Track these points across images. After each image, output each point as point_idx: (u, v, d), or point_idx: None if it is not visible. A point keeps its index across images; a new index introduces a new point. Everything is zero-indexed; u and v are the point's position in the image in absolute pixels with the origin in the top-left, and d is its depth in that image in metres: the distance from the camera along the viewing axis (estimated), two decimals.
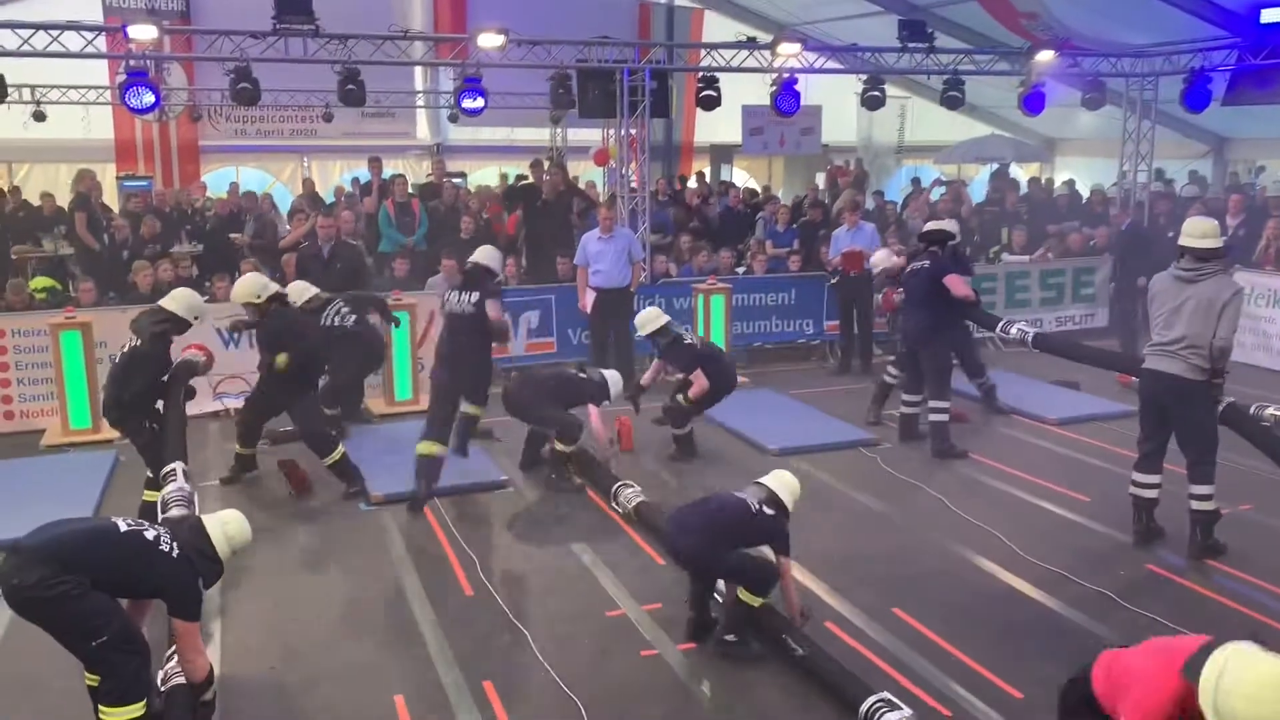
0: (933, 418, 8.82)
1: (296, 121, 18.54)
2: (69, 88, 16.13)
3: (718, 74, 12.14)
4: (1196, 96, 12.67)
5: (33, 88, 15.66)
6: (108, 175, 16.78)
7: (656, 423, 8.94)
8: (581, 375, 8.51)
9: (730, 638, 5.44)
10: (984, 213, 15.01)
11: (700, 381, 8.44)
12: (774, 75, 12.09)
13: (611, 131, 14.94)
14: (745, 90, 15.70)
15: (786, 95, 11.98)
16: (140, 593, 4.55)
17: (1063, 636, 5.68)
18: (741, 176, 21.25)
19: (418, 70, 18.31)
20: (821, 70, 13.30)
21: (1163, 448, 6.74)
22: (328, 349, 8.49)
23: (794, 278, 12.48)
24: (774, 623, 5.45)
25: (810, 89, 13.99)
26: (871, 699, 4.66)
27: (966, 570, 6.58)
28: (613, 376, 8.55)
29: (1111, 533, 7.05)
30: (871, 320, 11.93)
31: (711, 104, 12.15)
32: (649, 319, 8.69)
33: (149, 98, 10.06)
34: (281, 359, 7.77)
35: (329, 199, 15.07)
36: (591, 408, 8.27)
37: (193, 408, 7.46)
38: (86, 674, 4.56)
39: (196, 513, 5.78)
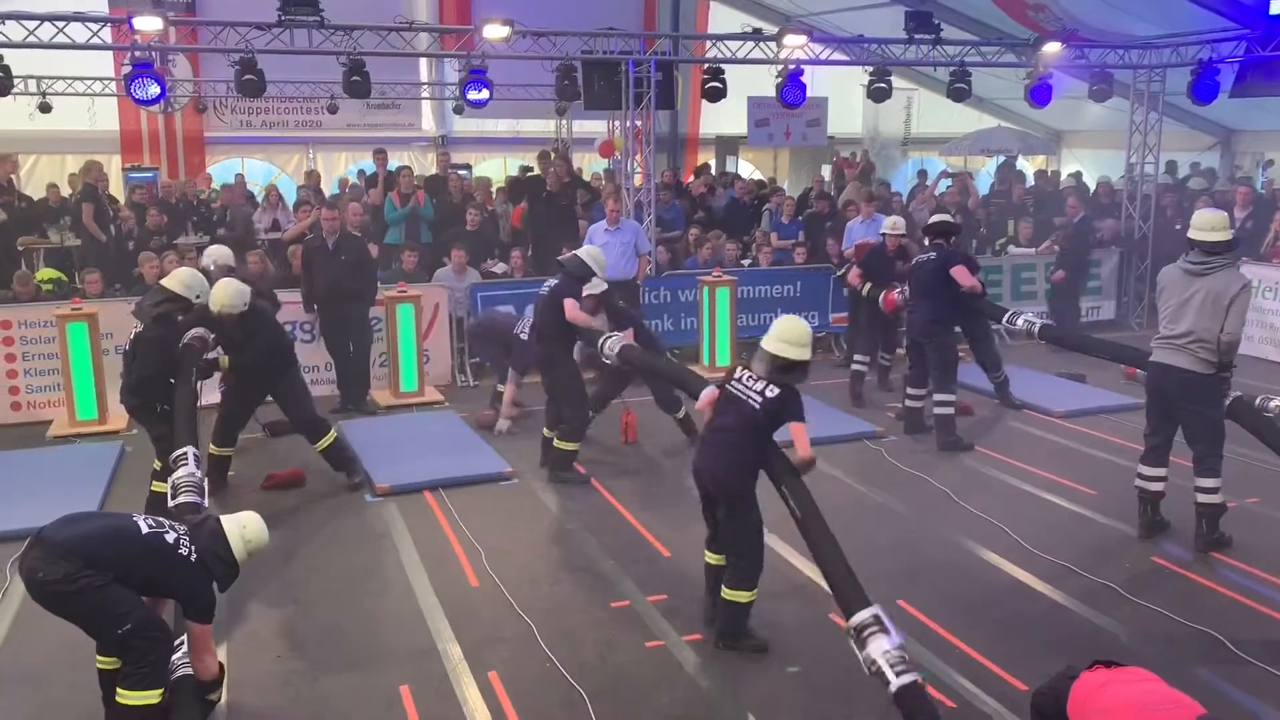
0: (938, 410, 8.81)
1: (301, 113, 18.54)
2: (74, 79, 16.14)
3: (723, 65, 12.11)
4: (1204, 88, 12.60)
5: (38, 79, 15.67)
6: (113, 167, 16.80)
7: None
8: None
9: (730, 634, 5.45)
10: (990, 205, 14.98)
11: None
12: (780, 67, 12.05)
13: (617, 123, 14.94)
14: (751, 82, 15.61)
15: (792, 87, 11.94)
16: (157, 593, 4.60)
17: (1067, 629, 5.68)
18: (747, 168, 21.21)
19: (423, 62, 18.32)
20: (827, 62, 13.23)
21: (1169, 441, 6.73)
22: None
23: (799, 270, 12.46)
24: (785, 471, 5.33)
25: (816, 81, 13.94)
26: (866, 613, 4.55)
27: (971, 563, 6.58)
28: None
29: (1117, 525, 7.05)
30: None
31: (717, 95, 12.13)
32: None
33: (154, 89, 10.07)
34: (224, 361, 7.58)
35: (334, 191, 15.08)
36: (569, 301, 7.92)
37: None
38: (100, 658, 4.60)
39: (205, 498, 5.83)
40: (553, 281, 8.08)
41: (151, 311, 7.00)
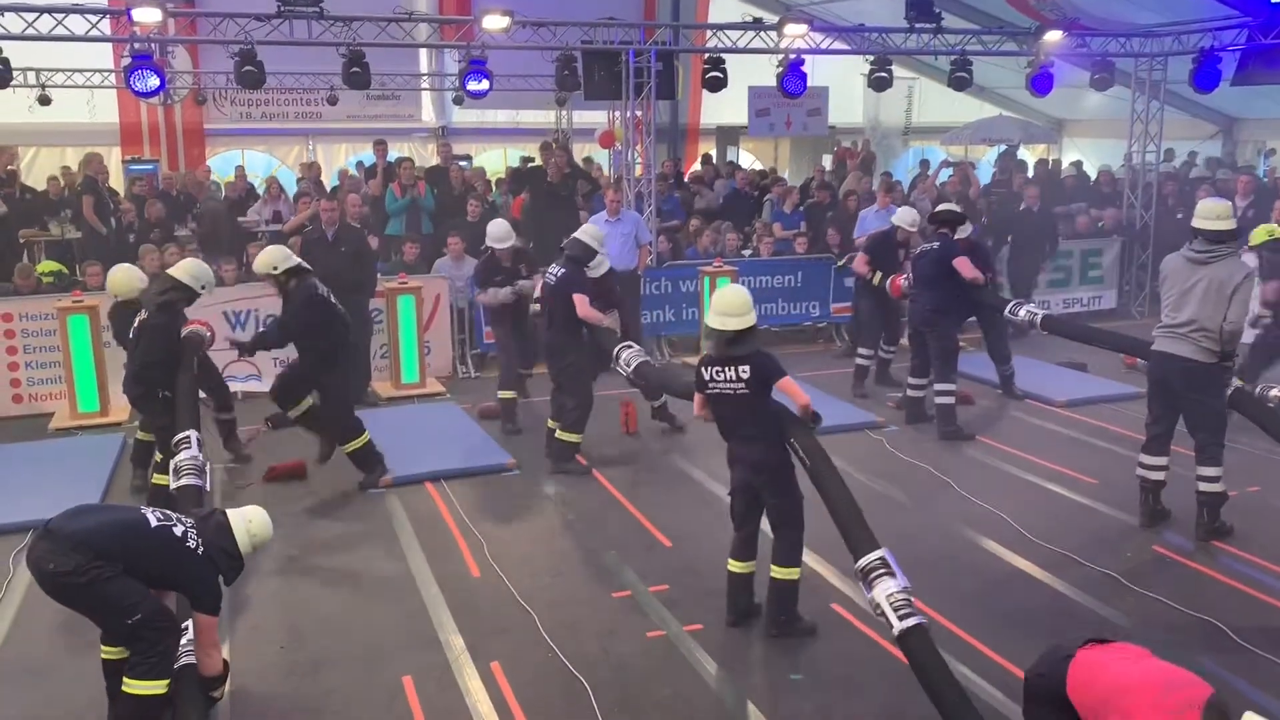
0: (939, 400, 8.82)
1: (301, 104, 18.54)
2: (74, 71, 16.12)
3: (724, 55, 12.07)
4: (1206, 76, 12.57)
5: (37, 71, 15.66)
6: (113, 159, 16.80)
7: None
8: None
9: (783, 619, 5.48)
10: (991, 194, 14.96)
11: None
12: (780, 56, 12.02)
13: (617, 114, 14.91)
14: (751, 71, 15.62)
15: (793, 76, 11.91)
16: (165, 586, 4.62)
17: (1069, 618, 5.68)
18: (748, 158, 21.19)
19: (423, 52, 18.29)
20: (828, 51, 13.21)
21: (1171, 430, 6.73)
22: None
23: (800, 260, 12.45)
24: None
25: (817, 70, 13.97)
26: (873, 555, 4.56)
27: (973, 552, 6.58)
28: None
29: (1118, 515, 7.05)
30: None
31: (718, 85, 12.10)
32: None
33: (154, 81, 10.05)
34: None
35: (334, 182, 15.06)
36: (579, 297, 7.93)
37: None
38: (105, 648, 4.61)
39: (208, 481, 5.87)
40: (557, 269, 8.05)
41: (157, 299, 7.02)
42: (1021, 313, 8.49)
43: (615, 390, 8.91)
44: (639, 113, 12.01)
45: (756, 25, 12.43)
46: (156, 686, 4.42)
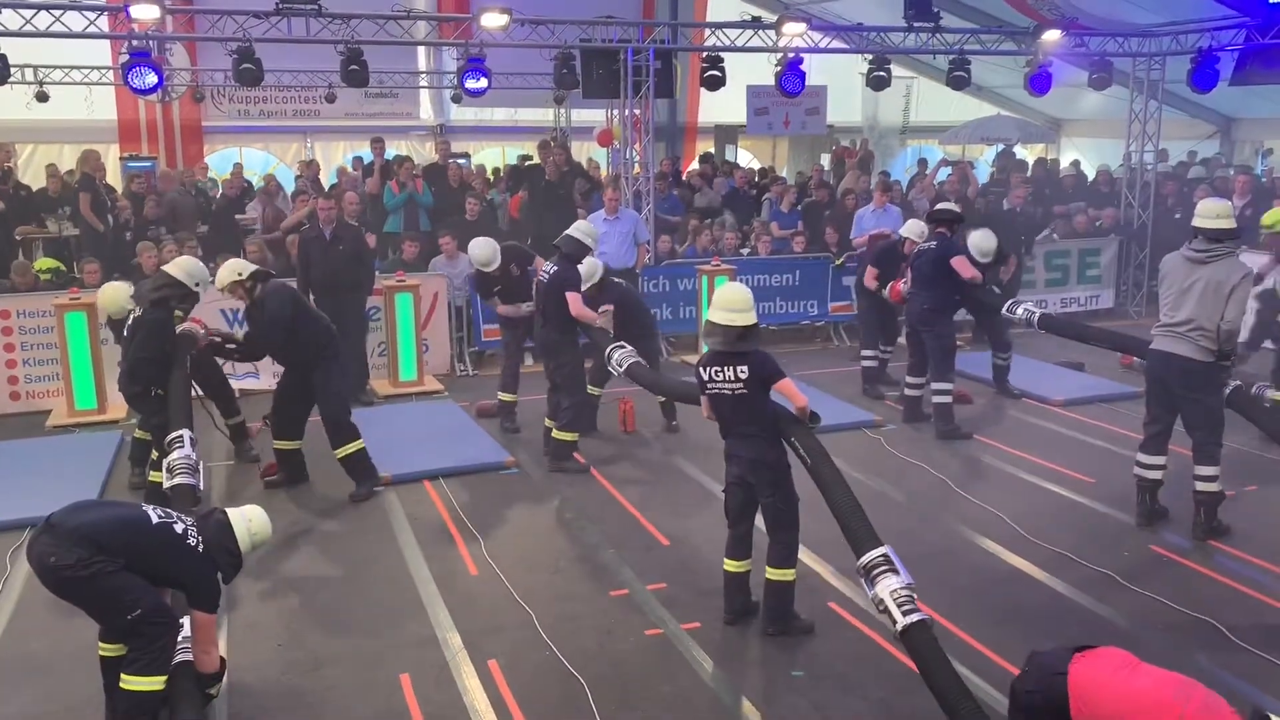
0: (936, 399, 8.82)
1: (299, 102, 18.52)
2: (72, 68, 16.11)
3: (722, 54, 12.08)
4: (1204, 76, 12.59)
5: (35, 68, 15.64)
6: (111, 156, 16.77)
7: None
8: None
9: (780, 617, 5.49)
10: (989, 194, 14.96)
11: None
12: (779, 55, 12.03)
13: (615, 112, 14.91)
14: (750, 70, 15.63)
15: (791, 75, 11.92)
16: (164, 582, 4.63)
17: (1066, 617, 5.69)
18: (746, 157, 21.20)
19: (421, 50, 18.29)
20: (827, 50, 13.25)
21: (1169, 430, 6.74)
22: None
23: (798, 259, 12.45)
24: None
25: (815, 69, 13.98)
26: (876, 552, 4.57)
27: (970, 551, 6.59)
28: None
29: (1115, 514, 7.06)
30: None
31: (716, 84, 12.10)
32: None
33: (152, 78, 10.04)
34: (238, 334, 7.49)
35: (333, 180, 15.04)
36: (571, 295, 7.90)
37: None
38: (103, 644, 4.61)
39: (201, 481, 5.87)
40: (550, 266, 8.05)
41: (151, 296, 7.01)
42: (1019, 311, 8.50)
43: (613, 388, 8.91)
44: (637, 111, 12.01)
45: (755, 24, 12.44)
46: (154, 682, 4.43)
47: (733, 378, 5.31)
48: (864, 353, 10.31)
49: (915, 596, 4.43)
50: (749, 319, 5.28)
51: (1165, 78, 13.59)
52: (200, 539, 4.62)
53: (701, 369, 5.47)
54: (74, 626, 4.60)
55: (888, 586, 4.42)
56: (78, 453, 8.45)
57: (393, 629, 5.62)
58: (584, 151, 18.75)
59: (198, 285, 7.14)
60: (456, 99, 18.01)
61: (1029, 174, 15.96)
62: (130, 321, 7.09)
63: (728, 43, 12.22)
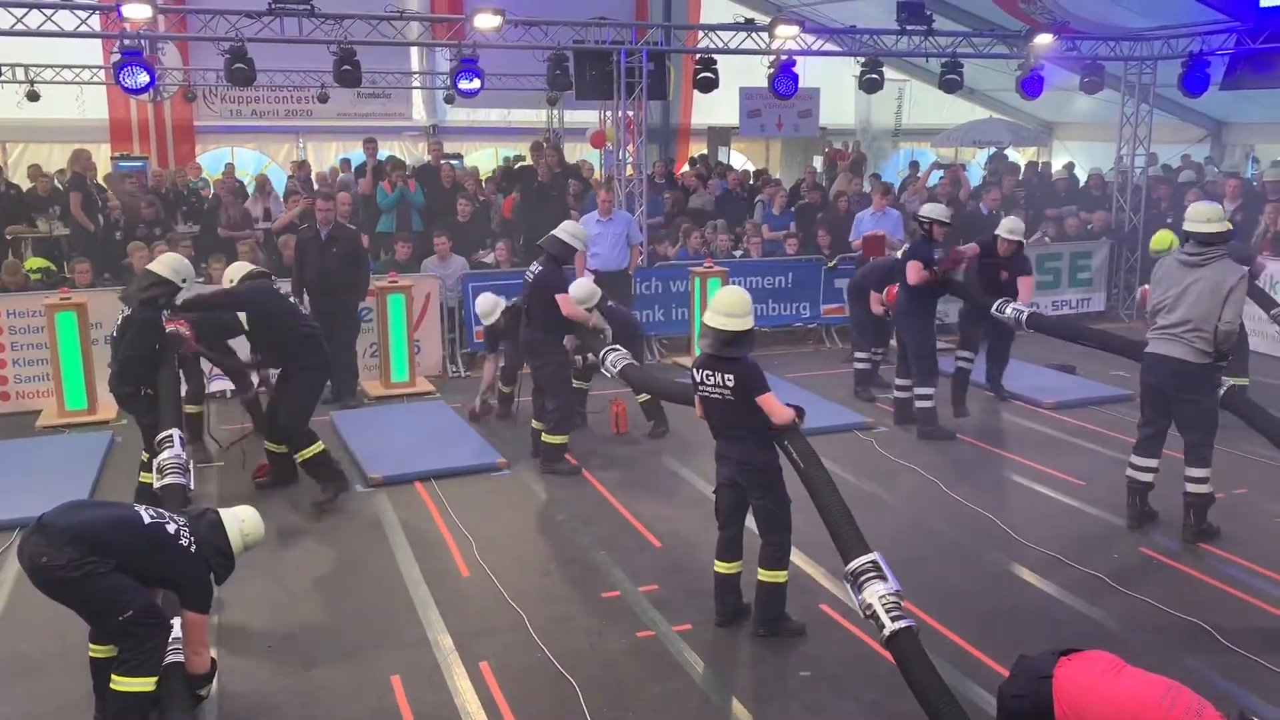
0: (919, 404, 8.85)
1: (292, 102, 18.48)
2: (63, 67, 16.05)
3: (715, 56, 12.09)
4: (1195, 80, 12.65)
5: (26, 67, 15.59)
6: (102, 155, 16.70)
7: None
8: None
9: (771, 619, 5.50)
10: (981, 197, 14.98)
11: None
12: (772, 57, 12.04)
13: (608, 113, 14.90)
14: (743, 72, 15.65)
15: (784, 77, 11.94)
16: (156, 582, 4.62)
17: (1056, 619, 5.71)
18: (739, 159, 21.21)
19: (414, 51, 18.25)
20: (819, 52, 13.25)
21: (1163, 433, 6.75)
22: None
23: (791, 261, 12.46)
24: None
25: (808, 71, 13.93)
26: (864, 559, 4.57)
27: (960, 553, 6.60)
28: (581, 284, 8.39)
29: (1105, 516, 7.07)
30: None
31: (709, 86, 12.11)
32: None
33: (143, 78, 10.00)
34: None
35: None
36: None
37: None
38: (93, 646, 4.59)
39: (191, 481, 5.85)
40: (536, 267, 8.03)
41: (139, 295, 6.98)
42: (1008, 310, 8.53)
43: (605, 390, 8.91)
44: (630, 113, 12.01)
45: (748, 26, 12.44)
46: (144, 684, 4.42)
47: (721, 384, 5.32)
48: (856, 355, 10.34)
49: (902, 603, 4.43)
50: (743, 324, 5.27)
51: (1156, 82, 13.64)
52: (193, 539, 4.61)
53: (695, 370, 5.48)
54: (65, 627, 4.58)
55: (876, 592, 4.43)
56: (68, 453, 8.42)
57: (384, 630, 5.61)
58: (577, 153, 18.73)
59: (184, 281, 7.06)
60: (449, 100, 17.98)
61: (1021, 177, 16.02)
62: (120, 321, 7.06)
63: (721, 45, 12.23)
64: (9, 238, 12.55)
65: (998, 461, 8.29)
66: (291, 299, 9.08)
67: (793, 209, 13.64)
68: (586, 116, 18.58)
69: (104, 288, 10.06)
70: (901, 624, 4.31)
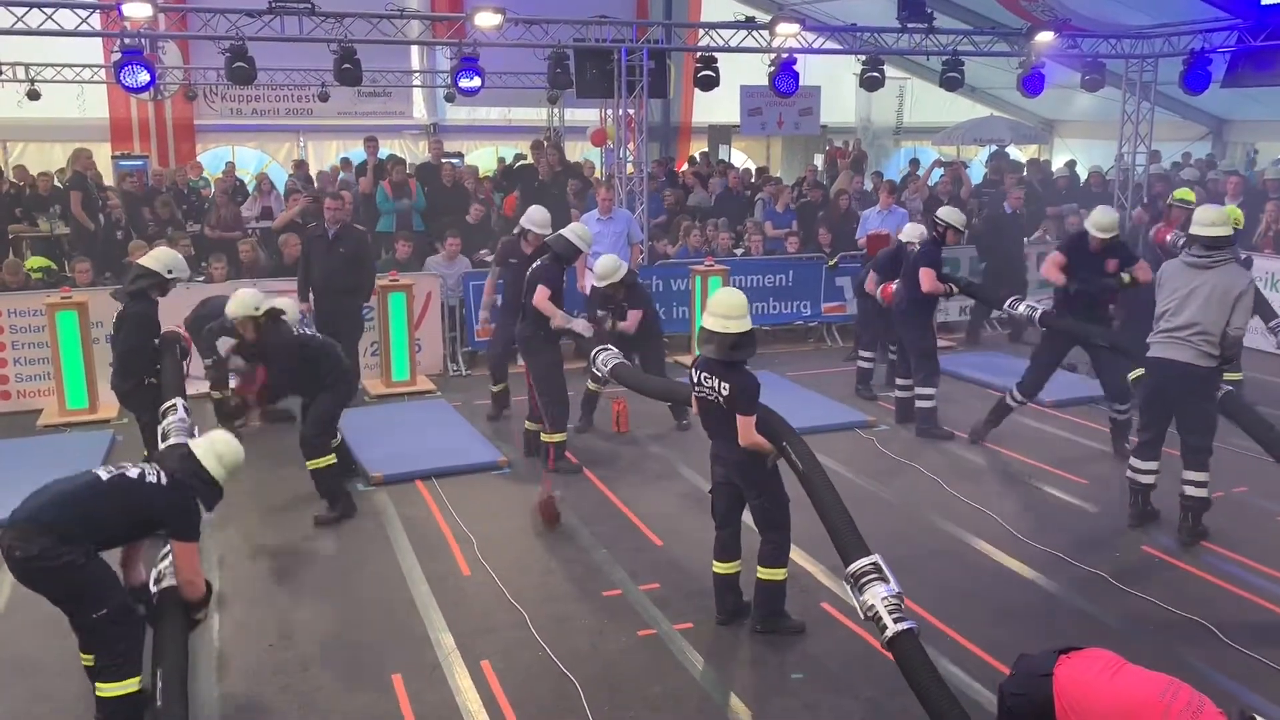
0: (919, 404, 8.84)
1: (292, 101, 18.49)
2: (64, 66, 16.06)
3: (716, 54, 12.08)
4: (1196, 78, 12.64)
5: (27, 66, 15.60)
6: (103, 154, 16.72)
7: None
8: None
9: (771, 617, 5.50)
10: (983, 195, 14.99)
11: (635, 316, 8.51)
12: (773, 55, 12.03)
13: (609, 112, 14.91)
14: (744, 70, 15.64)
15: (785, 75, 11.93)
16: (139, 529, 4.64)
17: (1058, 618, 5.71)
18: (740, 157, 21.21)
19: (414, 49, 18.28)
20: (820, 50, 13.23)
21: (1162, 436, 6.74)
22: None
23: (792, 259, 12.46)
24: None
25: (809, 69, 13.97)
26: (865, 561, 4.55)
27: (962, 551, 6.60)
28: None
29: (1107, 515, 7.07)
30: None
31: (710, 84, 12.10)
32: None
33: (144, 76, 10.00)
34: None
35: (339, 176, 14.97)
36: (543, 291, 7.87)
37: (190, 388, 7.35)
38: (83, 654, 4.59)
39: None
40: (538, 264, 8.02)
41: (129, 289, 7.01)
42: (1020, 308, 8.52)
43: (606, 389, 8.90)
44: (631, 111, 12.00)
45: (749, 24, 12.43)
46: (128, 685, 4.45)
47: (717, 389, 5.32)
48: (861, 353, 10.29)
49: (904, 604, 4.42)
50: (742, 325, 5.24)
51: (1157, 79, 13.63)
52: (161, 474, 4.62)
53: (693, 371, 5.48)
54: (65, 627, 4.58)
55: (878, 594, 4.42)
56: (69, 452, 8.38)
57: (385, 629, 5.61)
58: (578, 151, 18.74)
59: (170, 273, 7.01)
60: (450, 98, 18.00)
61: (1024, 174, 16.01)
62: (115, 318, 7.09)
63: (721, 43, 12.22)
64: (10, 237, 12.55)
65: (999, 459, 8.29)
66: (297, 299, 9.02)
67: (793, 207, 13.63)
68: (587, 115, 18.59)
69: (105, 287, 10.07)
70: (904, 625, 4.31)
